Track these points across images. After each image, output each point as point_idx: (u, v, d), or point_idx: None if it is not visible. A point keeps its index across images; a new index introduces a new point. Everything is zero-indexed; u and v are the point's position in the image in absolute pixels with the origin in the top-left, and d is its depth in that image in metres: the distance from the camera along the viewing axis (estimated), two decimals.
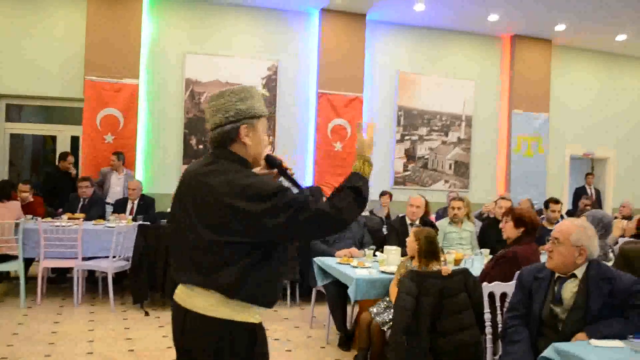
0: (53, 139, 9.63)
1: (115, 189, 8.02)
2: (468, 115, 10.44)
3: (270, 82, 9.38)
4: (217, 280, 1.84)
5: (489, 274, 4.04)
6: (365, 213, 7.25)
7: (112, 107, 8.46)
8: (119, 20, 8.60)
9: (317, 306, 5.66)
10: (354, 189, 1.96)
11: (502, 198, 6.51)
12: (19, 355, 4.49)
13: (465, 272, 3.89)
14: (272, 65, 9.39)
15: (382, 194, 8.67)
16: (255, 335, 1.92)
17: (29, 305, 6.02)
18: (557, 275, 2.94)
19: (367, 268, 4.52)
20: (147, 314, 5.87)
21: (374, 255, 5.04)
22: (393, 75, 10.03)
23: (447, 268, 3.88)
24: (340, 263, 4.75)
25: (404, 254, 4.70)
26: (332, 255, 5.14)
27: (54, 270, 7.13)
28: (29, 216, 6.65)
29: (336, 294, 4.94)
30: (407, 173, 10.10)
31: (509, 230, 4.15)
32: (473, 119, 10.48)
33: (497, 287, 3.48)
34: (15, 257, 6.06)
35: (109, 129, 8.47)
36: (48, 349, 4.67)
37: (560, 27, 10.05)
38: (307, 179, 9.53)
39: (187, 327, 1.91)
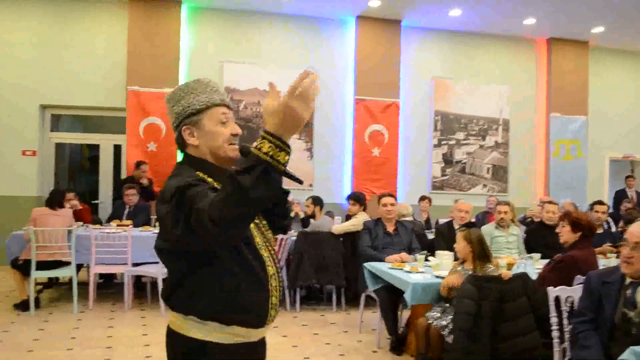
0: (90, 147, 9.87)
1: None
2: (505, 119, 10.38)
3: None
4: (163, 290, 1.79)
5: (546, 278, 4.03)
6: (410, 218, 7.24)
7: (154, 115, 8.62)
8: (159, 31, 8.79)
9: (364, 311, 5.69)
10: (231, 178, 1.39)
11: (549, 202, 6.46)
12: (78, 359, 4.60)
13: (525, 276, 3.87)
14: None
15: (421, 198, 8.65)
16: (205, 353, 1.68)
17: (81, 310, 6.16)
18: (629, 279, 2.92)
19: (421, 273, 4.52)
20: None
21: (426, 260, 5.05)
22: (429, 80, 10.03)
23: (508, 272, 3.88)
24: (392, 268, 4.77)
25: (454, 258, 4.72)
26: (382, 260, 5.16)
27: (100, 275, 7.28)
28: (80, 223, 6.81)
29: (387, 299, 4.95)
30: (444, 178, 10.07)
31: (566, 234, 4.12)
32: (510, 122, 10.41)
33: (562, 292, 3.47)
34: (67, 264, 6.22)
35: (152, 137, 8.63)
36: (106, 353, 4.78)
37: (597, 29, 9.96)
38: (345, 186, 9.57)
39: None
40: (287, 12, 9.36)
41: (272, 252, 1.81)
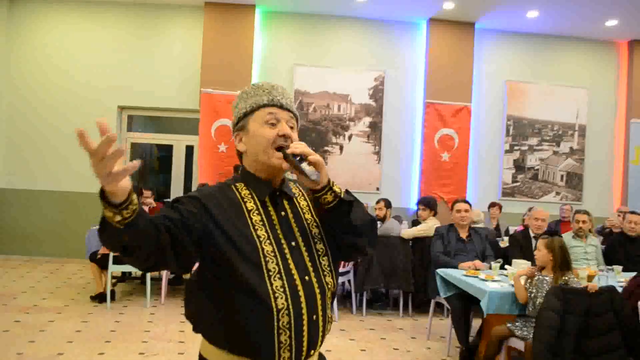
0: (160, 147, 10.17)
1: None
2: (581, 125, 9.96)
3: (377, 93, 9.40)
4: None
5: (634, 292, 3.83)
6: (481, 225, 7.07)
7: (225, 118, 8.78)
8: (232, 35, 8.96)
9: (427, 317, 5.60)
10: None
11: (632, 212, 6.15)
12: (155, 352, 4.73)
13: (613, 290, 3.69)
14: (379, 75, 9.41)
15: (491, 205, 8.42)
16: None
17: (153, 305, 6.34)
18: None
19: (497, 281, 4.40)
20: None
21: (501, 268, 4.91)
22: (502, 83, 9.77)
23: (595, 285, 3.71)
24: (467, 275, 4.66)
25: None
26: (455, 267, 5.05)
27: (171, 272, 7.49)
28: None
29: (460, 306, 4.85)
30: (516, 184, 9.77)
31: None
32: (587, 128, 9.99)
33: None
34: None
35: (223, 139, 8.80)
36: (181, 347, 4.89)
37: None
38: (412, 190, 9.44)
39: None
40: (358, 15, 9.35)
41: (296, 282, 1.54)
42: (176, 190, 9.57)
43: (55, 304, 6.19)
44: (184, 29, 9.26)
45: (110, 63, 9.14)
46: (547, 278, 3.94)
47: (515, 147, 9.79)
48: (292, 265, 1.55)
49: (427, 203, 6.50)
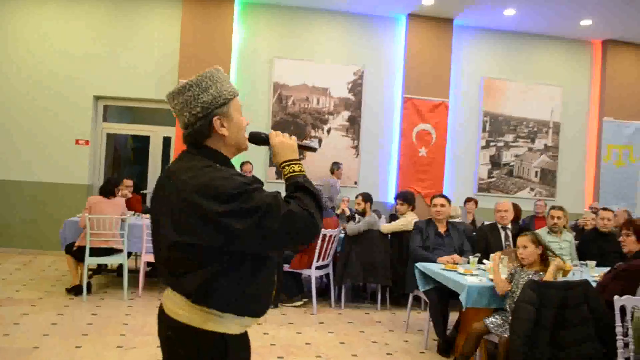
0: (135, 138, 10.06)
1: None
2: (556, 122, 10.15)
3: (356, 87, 9.43)
4: (183, 284, 1.68)
5: (608, 287, 3.93)
6: (458, 220, 7.16)
7: None
8: (211, 26, 8.87)
9: (405, 310, 5.66)
10: (308, 190, 1.71)
11: (604, 209, 6.30)
12: (133, 345, 4.70)
13: (586, 283, 3.78)
14: (357, 70, 9.44)
15: (467, 200, 8.52)
16: (225, 346, 1.71)
17: (130, 297, 6.29)
18: None
19: (475, 275, 4.47)
20: None
21: (479, 262, 4.98)
22: (479, 80, 9.88)
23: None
24: (445, 269, 4.72)
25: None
26: (434, 261, 5.11)
27: (148, 264, 7.41)
28: (132, 212, 6.95)
29: (438, 300, 4.91)
30: (491, 180, 9.91)
31: (630, 244, 4.03)
32: (561, 126, 10.18)
33: (628, 301, 3.38)
34: (118, 251, 6.36)
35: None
36: (158, 341, 4.86)
37: None
38: (390, 185, 9.51)
39: (161, 328, 1.81)
40: (338, 9, 9.35)
41: None
42: (152, 181, 9.47)
43: (30, 296, 6.10)
44: (162, 18, 9.14)
45: (88, 53, 8.98)
46: (532, 274, 4.01)
47: (492, 143, 9.92)
48: None
49: (406, 198, 6.55)
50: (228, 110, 1.77)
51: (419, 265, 5.02)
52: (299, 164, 1.80)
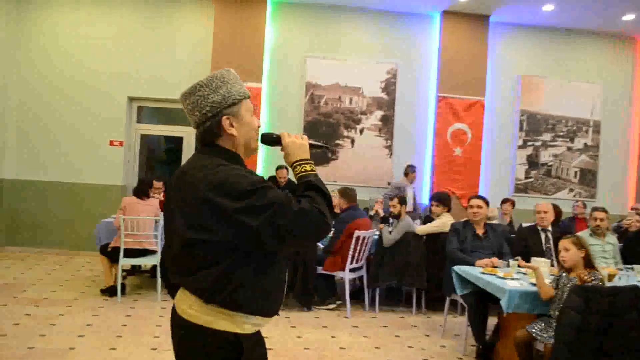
0: (167, 139, 10.10)
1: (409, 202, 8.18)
2: (596, 121, 9.82)
3: (389, 86, 9.29)
4: (195, 282, 1.71)
5: None
6: (496, 221, 6.97)
7: None
8: (244, 26, 8.86)
9: (441, 315, 5.51)
10: (319, 189, 1.74)
11: None
12: (167, 347, 4.66)
13: (636, 289, 3.59)
14: (391, 68, 9.30)
15: (504, 201, 8.30)
16: (239, 346, 1.72)
17: (163, 299, 6.28)
18: None
19: (516, 279, 4.31)
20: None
21: (519, 266, 4.81)
22: (516, 78, 9.64)
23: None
24: (485, 273, 4.57)
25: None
26: (472, 264, 4.96)
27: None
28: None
29: (476, 304, 4.76)
30: (529, 180, 9.65)
31: None
32: (602, 124, 9.85)
33: None
34: (152, 252, 6.37)
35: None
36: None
37: None
38: (424, 185, 9.35)
39: (174, 330, 1.82)
40: (371, 6, 9.23)
41: None
42: None
43: (66, 297, 6.15)
44: (195, 19, 9.17)
45: (121, 54, 9.07)
46: (575, 280, 3.84)
47: (529, 143, 9.66)
48: None
49: (441, 199, 6.40)
50: (238, 111, 1.81)
51: (456, 268, 4.87)
52: (311, 163, 1.83)
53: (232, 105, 1.80)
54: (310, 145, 1.93)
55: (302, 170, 1.81)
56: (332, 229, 6.99)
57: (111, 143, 9.05)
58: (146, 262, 6.53)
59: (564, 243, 3.98)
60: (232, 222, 1.60)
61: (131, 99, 9.26)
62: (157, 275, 6.33)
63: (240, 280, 1.68)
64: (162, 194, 7.62)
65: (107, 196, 8.82)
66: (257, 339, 1.83)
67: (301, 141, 1.89)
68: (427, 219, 7.31)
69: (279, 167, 8.18)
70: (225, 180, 1.63)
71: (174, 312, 1.81)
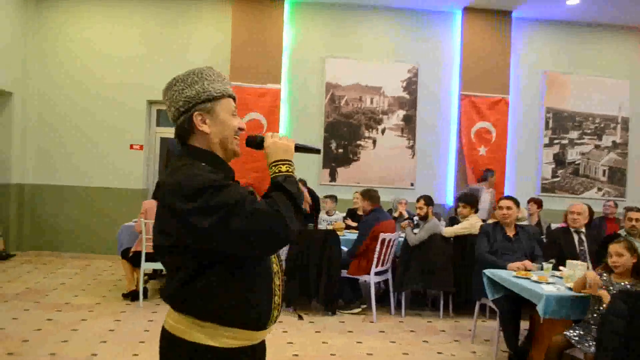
0: None
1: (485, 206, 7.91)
2: (625, 117, 9.56)
3: (411, 85, 9.13)
4: (165, 289, 1.66)
5: None
6: (524, 222, 6.77)
7: (256, 111, 8.62)
8: (262, 27, 8.77)
9: (470, 319, 5.34)
10: (284, 190, 1.60)
11: None
12: None
13: None
14: (412, 67, 9.13)
15: (530, 201, 8.06)
16: (203, 358, 1.61)
17: None
18: None
19: (551, 284, 4.12)
20: (300, 317, 5.82)
21: (554, 269, 4.63)
22: (540, 74, 9.40)
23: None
24: (517, 277, 4.39)
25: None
26: (503, 267, 4.78)
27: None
28: None
29: (509, 309, 4.59)
30: (556, 179, 9.41)
31: None
32: (630, 121, 9.57)
33: None
34: None
35: (254, 132, 8.56)
36: None
37: None
38: (449, 185, 9.16)
39: (159, 341, 1.74)
40: (390, 5, 9.08)
41: None
42: None
43: (87, 302, 6.09)
44: (213, 21, 9.10)
45: (139, 58, 9.03)
46: (622, 285, 3.65)
47: (555, 141, 9.42)
48: None
49: (468, 200, 6.22)
50: (212, 107, 1.71)
51: (487, 271, 4.70)
52: (288, 164, 1.70)
53: (205, 101, 1.69)
54: (299, 148, 1.80)
55: (277, 170, 1.68)
56: (357, 231, 6.86)
57: (131, 147, 9.01)
58: (160, 266, 6.41)
59: (616, 248, 3.77)
60: (185, 224, 1.50)
61: (151, 103, 9.21)
62: None
63: (208, 288, 1.58)
64: None
65: (128, 200, 8.78)
66: (242, 355, 1.67)
67: (286, 142, 1.74)
68: (452, 221, 7.13)
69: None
70: (180, 180, 1.54)
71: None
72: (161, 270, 7.40)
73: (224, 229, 1.47)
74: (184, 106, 1.69)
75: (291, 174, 1.68)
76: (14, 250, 8.55)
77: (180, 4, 9.09)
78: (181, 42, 9.09)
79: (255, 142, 1.79)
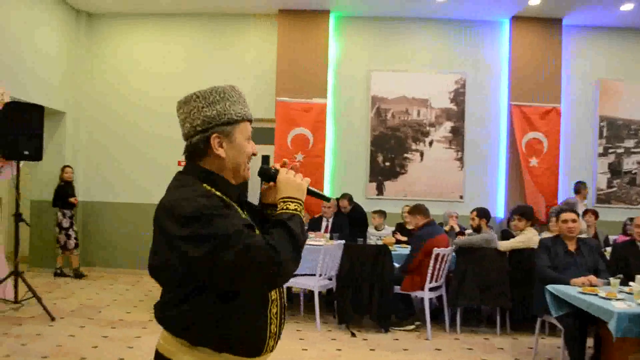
0: None
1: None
2: None
3: (458, 96, 8.97)
4: (156, 309, 1.65)
5: None
6: (584, 235, 6.51)
7: (302, 126, 8.61)
8: (307, 42, 8.79)
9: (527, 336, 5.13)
10: (286, 227, 1.53)
11: None
12: None
13: None
14: (459, 78, 8.99)
15: (585, 212, 7.76)
16: None
17: None
18: None
19: (621, 300, 3.92)
20: (353, 335, 5.72)
21: (621, 284, 4.41)
22: (593, 82, 9.10)
23: None
24: (584, 293, 4.20)
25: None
26: (566, 283, 4.58)
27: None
28: None
29: (574, 327, 4.39)
30: (611, 190, 9.07)
31: None
32: None
33: None
34: None
35: (299, 148, 8.62)
36: None
37: None
38: (500, 198, 8.94)
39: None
40: (436, 16, 8.97)
41: None
42: (252, 199, 9.38)
43: (140, 318, 6.13)
44: (258, 37, 9.18)
45: (187, 74, 9.14)
46: None
47: (610, 150, 9.09)
48: None
49: (524, 212, 6.03)
50: (231, 131, 1.65)
51: (550, 287, 4.51)
52: (298, 202, 1.64)
53: (226, 124, 1.64)
54: (310, 192, 1.75)
55: (285, 207, 1.62)
56: (407, 245, 6.74)
57: (179, 163, 9.11)
58: None
59: None
60: (177, 249, 1.48)
61: None
62: None
63: (199, 312, 1.55)
64: None
65: None
66: None
67: (299, 181, 1.69)
68: (505, 234, 6.94)
69: (340, 197, 7.88)
70: (175, 203, 1.51)
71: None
72: None
73: (214, 261, 1.43)
74: (202, 125, 1.64)
75: (298, 213, 1.61)
76: (65, 267, 8.68)
77: (226, 20, 9.20)
78: (227, 58, 9.18)
79: (268, 175, 1.76)
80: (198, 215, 1.45)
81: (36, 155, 6.62)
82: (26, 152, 6.44)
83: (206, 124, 1.63)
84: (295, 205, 1.62)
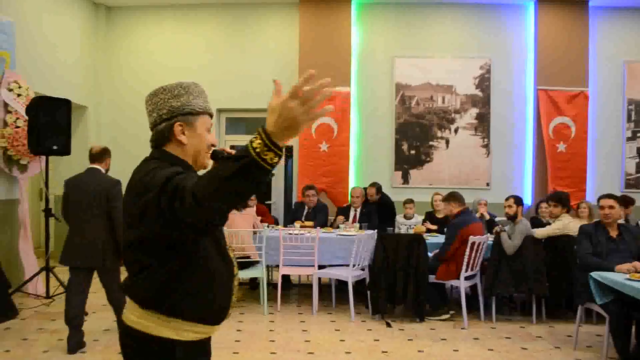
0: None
1: None
2: None
3: (484, 82, 8.86)
4: (132, 287, 1.74)
5: None
6: (621, 221, 6.41)
7: (327, 115, 8.51)
8: (329, 31, 8.71)
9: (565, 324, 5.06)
10: (220, 162, 1.47)
11: None
12: None
13: None
14: (484, 63, 8.87)
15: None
16: (170, 353, 1.70)
17: (269, 312, 6.15)
18: None
19: None
20: (389, 325, 5.69)
21: None
22: (621, 64, 8.94)
23: None
24: (631, 279, 4.12)
25: None
26: (611, 270, 4.50)
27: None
28: (265, 223, 6.84)
29: (620, 314, 4.32)
30: None
31: None
32: None
33: None
34: (253, 263, 6.23)
35: (324, 138, 8.57)
36: (309, 358, 4.65)
37: None
38: (527, 184, 8.83)
39: (120, 338, 1.84)
40: (459, 0, 8.84)
41: (231, 254, 1.89)
42: (276, 190, 9.40)
43: None
44: (280, 26, 9.10)
45: (207, 66, 9.10)
46: None
47: (639, 134, 8.95)
48: (224, 241, 1.88)
49: (560, 199, 5.93)
50: (193, 122, 1.82)
51: (594, 274, 4.43)
52: (267, 145, 1.34)
53: (188, 114, 1.80)
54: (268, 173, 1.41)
55: (249, 142, 1.36)
56: (437, 234, 6.68)
57: None
58: (249, 274, 6.36)
59: None
60: (149, 212, 1.58)
61: (220, 111, 9.29)
62: (262, 288, 6.19)
63: (165, 283, 1.67)
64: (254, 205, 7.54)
65: None
66: (198, 348, 1.80)
67: (294, 124, 1.37)
68: (534, 221, 6.86)
69: (369, 186, 7.81)
70: (151, 179, 1.60)
71: (123, 319, 1.79)
72: (255, 279, 7.35)
73: (168, 207, 1.48)
74: (167, 114, 1.80)
75: (254, 157, 1.33)
76: None
77: (247, 10, 9.13)
78: (249, 49, 9.13)
79: (220, 158, 1.79)
80: (170, 176, 1.54)
81: (64, 149, 6.61)
82: (54, 147, 6.43)
83: (171, 113, 1.80)
84: (258, 143, 1.34)
